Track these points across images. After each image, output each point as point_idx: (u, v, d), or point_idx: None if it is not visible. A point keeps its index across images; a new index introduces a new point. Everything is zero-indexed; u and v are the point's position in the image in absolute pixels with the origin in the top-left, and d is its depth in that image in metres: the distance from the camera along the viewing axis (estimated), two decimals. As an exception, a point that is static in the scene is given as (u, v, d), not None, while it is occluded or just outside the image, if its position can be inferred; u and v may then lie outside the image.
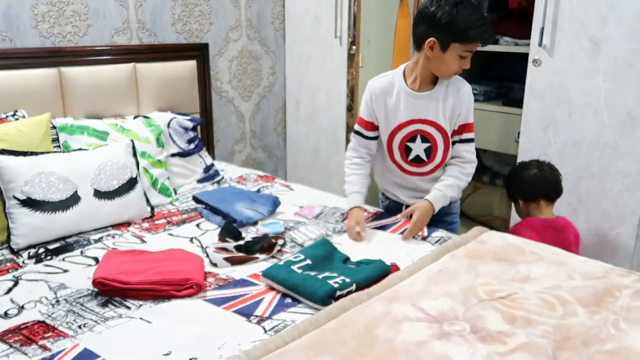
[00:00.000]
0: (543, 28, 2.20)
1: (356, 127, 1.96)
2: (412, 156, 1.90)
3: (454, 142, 1.89)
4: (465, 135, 1.88)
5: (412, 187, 1.97)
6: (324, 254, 1.63)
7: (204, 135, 2.80)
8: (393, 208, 2.05)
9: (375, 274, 1.51)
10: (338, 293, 1.40)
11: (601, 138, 2.14)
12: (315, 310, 1.38)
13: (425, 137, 1.86)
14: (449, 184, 1.86)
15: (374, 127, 1.92)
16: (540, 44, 2.23)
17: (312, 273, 1.50)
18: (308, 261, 1.57)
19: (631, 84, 2.02)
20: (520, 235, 1.84)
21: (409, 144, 1.88)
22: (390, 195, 2.05)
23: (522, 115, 2.40)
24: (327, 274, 1.50)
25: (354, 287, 1.44)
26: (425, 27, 1.72)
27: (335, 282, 1.44)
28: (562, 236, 1.97)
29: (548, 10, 2.18)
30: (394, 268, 1.56)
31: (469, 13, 1.66)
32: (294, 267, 1.53)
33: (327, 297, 1.39)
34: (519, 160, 2.44)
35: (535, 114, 2.33)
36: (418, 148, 1.87)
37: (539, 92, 2.30)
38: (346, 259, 1.63)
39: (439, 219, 1.94)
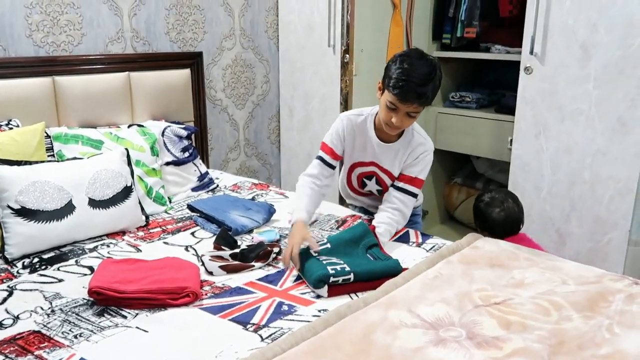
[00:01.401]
0: (534, 36, 2.23)
1: (321, 153, 1.95)
2: (366, 190, 2.04)
3: (392, 185, 1.93)
4: (406, 186, 1.90)
5: (366, 204, 2.15)
6: (349, 238, 1.71)
7: (198, 144, 2.80)
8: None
9: (379, 270, 1.56)
10: (332, 280, 1.48)
11: (592, 144, 2.16)
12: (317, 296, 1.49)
13: (379, 181, 1.97)
14: (381, 232, 1.82)
15: (337, 157, 1.96)
16: (531, 52, 2.26)
17: (322, 257, 1.60)
18: (328, 245, 1.68)
19: (621, 90, 2.05)
20: None
21: (365, 180, 2.00)
22: (359, 204, 2.19)
23: (515, 122, 2.43)
24: (333, 259, 1.59)
25: (351, 276, 1.51)
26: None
27: (333, 269, 1.51)
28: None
29: (539, 18, 2.20)
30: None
31: (404, 70, 1.66)
32: (312, 250, 1.64)
33: (319, 282, 1.48)
34: (511, 167, 2.46)
35: (528, 120, 2.35)
36: (372, 186, 2.01)
37: (530, 99, 2.33)
38: (372, 246, 1.70)
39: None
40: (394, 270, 1.57)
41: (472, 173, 3.37)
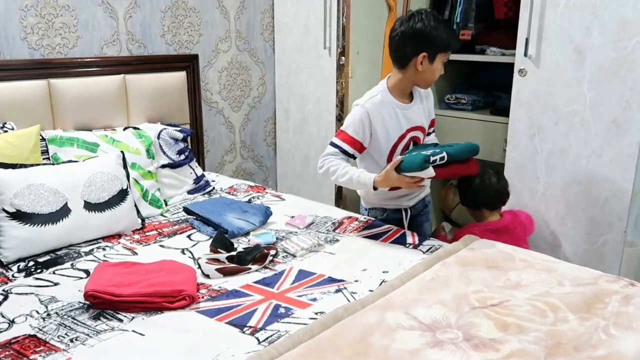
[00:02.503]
0: (528, 38, 2.24)
1: (341, 143, 1.92)
2: None
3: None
4: (432, 128, 2.18)
5: (402, 193, 2.07)
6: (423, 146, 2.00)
7: (194, 146, 2.79)
8: (393, 218, 2.10)
9: (464, 147, 1.88)
10: (432, 158, 1.75)
11: (587, 145, 2.17)
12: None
13: (415, 142, 2.05)
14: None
15: (361, 147, 1.94)
16: (525, 54, 2.26)
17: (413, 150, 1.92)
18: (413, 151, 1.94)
19: (616, 91, 2.05)
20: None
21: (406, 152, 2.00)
22: (392, 206, 2.10)
23: (509, 124, 2.43)
24: (423, 151, 1.84)
25: (445, 155, 1.78)
26: (414, 44, 1.87)
27: (427, 152, 1.79)
28: (501, 238, 1.98)
29: (533, 20, 2.21)
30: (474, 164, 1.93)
31: (445, 26, 1.90)
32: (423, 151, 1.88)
33: (424, 162, 1.73)
34: (506, 169, 2.46)
35: (522, 122, 2.36)
36: None
37: (525, 101, 2.33)
38: (436, 144, 2.03)
39: (419, 212, 2.18)
40: (475, 148, 1.90)
41: (467, 175, 3.37)
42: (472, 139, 2.90)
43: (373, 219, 2.10)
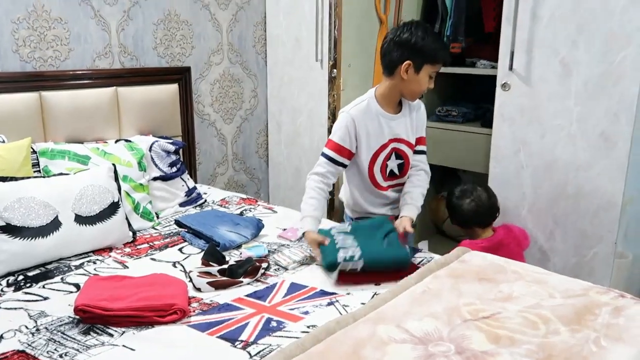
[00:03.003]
0: (513, 51, 2.23)
1: (329, 153, 1.97)
2: (388, 174, 2.06)
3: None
4: (422, 147, 2.12)
5: (387, 202, 2.10)
6: (369, 225, 1.86)
7: (186, 159, 2.79)
8: None
9: (388, 259, 1.70)
10: (340, 267, 1.63)
11: (575, 159, 2.17)
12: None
13: (399, 154, 2.04)
14: (417, 196, 2.04)
15: (349, 154, 1.98)
16: (510, 67, 2.25)
17: (339, 239, 1.75)
18: (348, 229, 1.82)
19: (602, 105, 2.07)
20: None
21: (388, 163, 2.03)
22: (369, 215, 2.11)
23: (492, 139, 2.40)
24: (349, 241, 1.74)
25: (360, 262, 1.65)
26: (399, 52, 1.89)
27: (343, 256, 1.66)
28: (497, 254, 1.96)
29: (518, 33, 2.21)
30: (414, 268, 1.68)
31: (435, 38, 1.90)
32: (333, 230, 1.81)
33: (331, 266, 1.65)
34: (489, 185, 2.45)
35: (506, 138, 2.33)
36: (392, 164, 2.05)
37: (509, 116, 2.31)
38: (390, 232, 1.80)
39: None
40: (403, 262, 1.70)
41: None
42: (463, 151, 2.93)
43: None
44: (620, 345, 1.26)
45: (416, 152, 2.10)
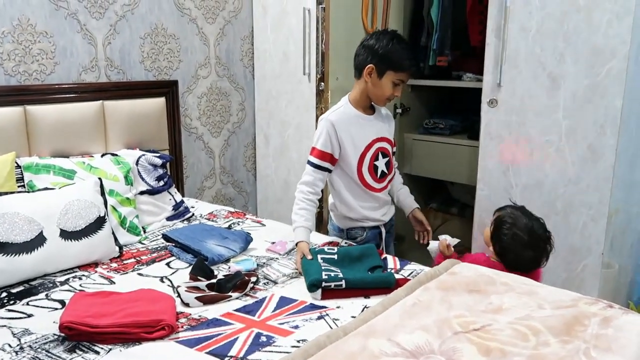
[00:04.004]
0: (501, 66, 2.23)
1: (314, 160, 2.00)
2: (379, 173, 2.08)
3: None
4: (394, 149, 2.21)
5: (381, 203, 2.13)
6: (356, 255, 1.85)
7: (173, 172, 2.77)
8: (371, 238, 2.13)
9: (371, 280, 1.68)
10: (324, 284, 1.61)
11: (564, 174, 2.17)
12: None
13: (384, 153, 2.08)
14: (408, 190, 2.25)
15: (332, 159, 2.01)
16: (499, 83, 2.24)
17: (325, 265, 1.74)
18: (335, 256, 1.83)
19: (590, 118, 2.08)
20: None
21: (375, 164, 2.06)
22: (369, 223, 2.12)
23: (479, 159, 2.37)
24: (332, 267, 1.73)
25: (343, 283, 1.63)
26: (365, 56, 1.95)
27: (327, 274, 1.65)
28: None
29: (506, 46, 2.22)
30: (402, 282, 1.67)
31: (402, 47, 1.93)
32: (319, 256, 1.80)
33: (311, 286, 1.63)
34: (476, 209, 2.41)
35: (494, 158, 2.32)
36: (381, 164, 2.08)
37: (496, 134, 2.30)
38: (376, 267, 1.80)
39: (387, 230, 2.21)
40: (386, 281, 1.67)
41: (447, 198, 3.41)
42: (451, 163, 2.95)
43: (353, 243, 2.10)
44: (610, 356, 1.26)
45: (394, 154, 2.20)
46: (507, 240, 1.88)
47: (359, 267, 1.80)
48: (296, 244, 1.91)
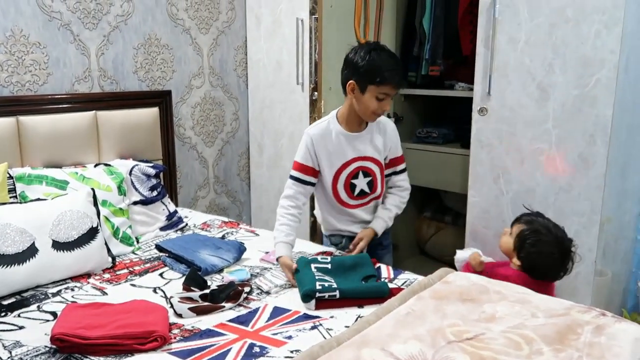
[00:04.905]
0: (491, 75, 2.25)
1: (294, 173, 2.01)
2: (357, 192, 2.06)
3: (388, 175, 2.13)
4: (399, 167, 2.14)
5: (354, 220, 2.11)
6: (350, 265, 1.85)
7: (166, 182, 2.77)
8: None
9: (364, 290, 1.69)
10: (318, 295, 1.61)
11: (555, 183, 2.19)
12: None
13: (367, 172, 2.04)
14: (390, 214, 2.11)
15: (314, 172, 2.01)
16: (489, 92, 2.27)
17: (318, 274, 1.74)
18: (328, 265, 1.82)
19: (580, 127, 2.10)
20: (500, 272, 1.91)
21: (353, 181, 2.03)
22: (347, 233, 2.14)
23: (470, 167, 2.39)
24: (326, 277, 1.73)
25: (337, 293, 1.63)
26: (346, 72, 1.93)
27: (321, 285, 1.65)
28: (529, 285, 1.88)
29: (495, 56, 2.24)
30: (396, 291, 1.67)
31: (382, 59, 1.85)
32: (312, 265, 1.80)
33: (305, 296, 1.63)
34: (468, 216, 2.41)
35: (484, 165, 2.34)
36: (361, 183, 2.05)
37: (487, 143, 2.32)
38: (369, 277, 1.80)
39: (378, 242, 2.14)
40: (380, 290, 1.68)
41: (441, 207, 3.42)
42: (445, 172, 2.96)
43: (342, 251, 2.11)
44: (603, 364, 1.26)
45: (398, 173, 2.14)
46: (534, 253, 1.87)
47: (352, 276, 1.81)
48: (277, 259, 1.89)
